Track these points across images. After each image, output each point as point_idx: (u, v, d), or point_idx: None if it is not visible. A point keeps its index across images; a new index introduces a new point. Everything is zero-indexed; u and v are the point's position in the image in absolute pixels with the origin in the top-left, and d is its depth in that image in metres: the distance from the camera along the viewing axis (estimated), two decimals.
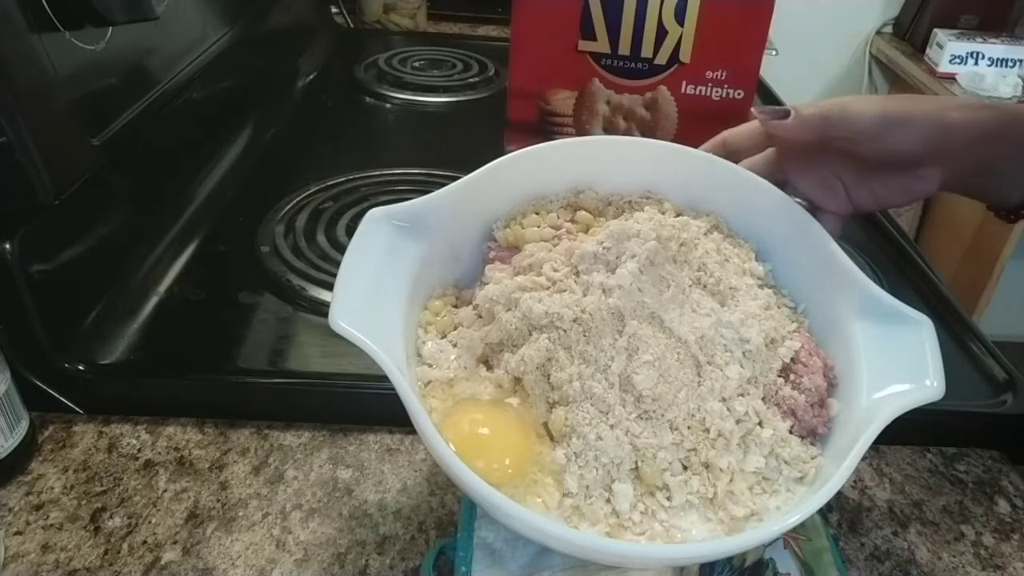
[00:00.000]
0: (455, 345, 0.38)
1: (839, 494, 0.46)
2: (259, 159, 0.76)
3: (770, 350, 0.38)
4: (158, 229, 0.60)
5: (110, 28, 0.53)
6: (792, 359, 0.38)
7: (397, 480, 0.45)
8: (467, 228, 0.42)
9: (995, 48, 1.67)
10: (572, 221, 0.42)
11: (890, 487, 0.47)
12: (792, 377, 0.37)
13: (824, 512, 0.42)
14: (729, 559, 0.36)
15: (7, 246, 0.43)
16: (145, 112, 0.58)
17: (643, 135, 0.72)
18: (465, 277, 0.42)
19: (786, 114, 0.41)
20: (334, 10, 1.18)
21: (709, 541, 0.33)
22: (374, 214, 0.37)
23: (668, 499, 0.33)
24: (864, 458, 0.48)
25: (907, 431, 0.50)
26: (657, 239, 0.38)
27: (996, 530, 0.45)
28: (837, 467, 0.32)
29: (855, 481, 0.47)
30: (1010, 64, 1.67)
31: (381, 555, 0.40)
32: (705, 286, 0.39)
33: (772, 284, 0.42)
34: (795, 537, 0.37)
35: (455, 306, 0.41)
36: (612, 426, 0.34)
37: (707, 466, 0.34)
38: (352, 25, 1.19)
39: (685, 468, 0.34)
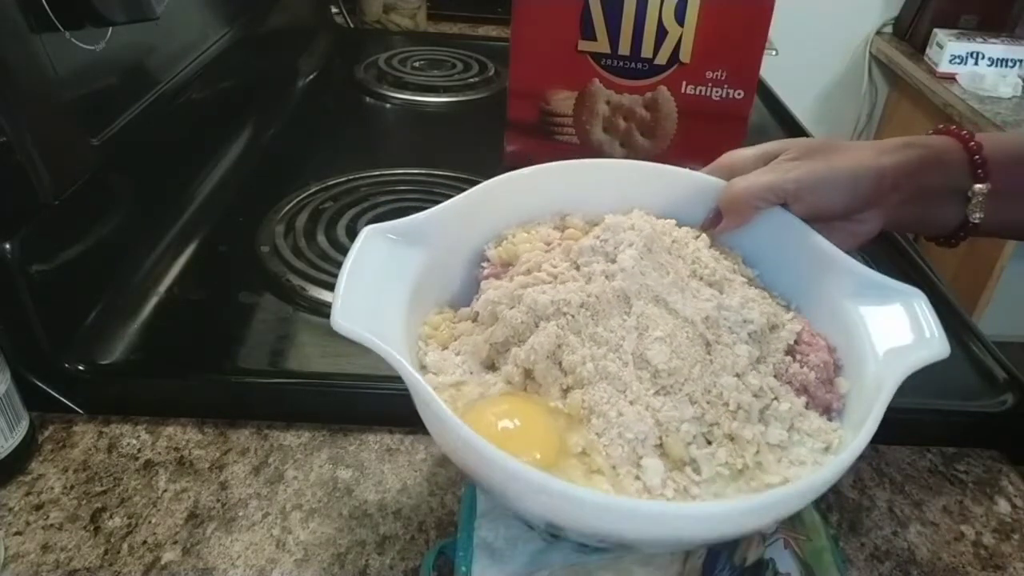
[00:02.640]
0: (458, 354, 0.38)
1: (839, 494, 0.46)
2: (259, 159, 0.76)
3: (773, 334, 0.38)
4: (158, 229, 0.60)
5: (110, 28, 0.53)
6: (795, 341, 0.38)
7: (397, 480, 0.45)
8: (456, 251, 0.42)
9: (995, 48, 1.67)
10: (562, 235, 0.43)
11: (890, 487, 0.47)
12: (799, 357, 0.38)
13: (824, 512, 0.42)
14: (730, 558, 0.36)
15: (7, 246, 0.43)
16: (145, 112, 0.58)
17: (643, 135, 0.72)
18: (457, 301, 0.42)
19: (716, 219, 0.44)
20: (334, 10, 1.18)
21: (759, 495, 0.32)
22: (371, 229, 0.38)
23: (697, 472, 0.33)
24: (864, 458, 0.48)
25: (907, 431, 0.50)
26: (652, 230, 0.39)
27: (996, 530, 0.45)
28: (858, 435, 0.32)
29: (855, 481, 0.47)
30: (1010, 64, 1.67)
31: (381, 555, 0.41)
32: (701, 277, 0.40)
33: (761, 287, 0.42)
34: (795, 537, 0.37)
35: (453, 322, 0.41)
36: (632, 402, 0.34)
37: (732, 438, 0.34)
38: (352, 25, 1.19)
39: (709, 443, 0.34)
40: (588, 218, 0.44)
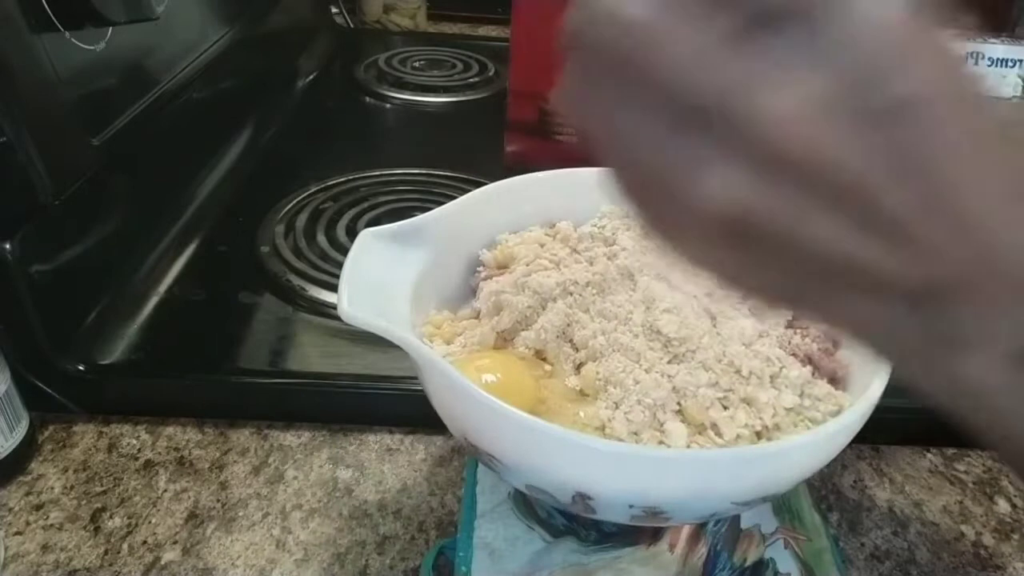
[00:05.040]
0: (464, 347, 0.38)
1: (839, 494, 0.46)
2: (259, 159, 0.76)
3: (772, 310, 0.39)
4: (158, 229, 0.60)
5: (110, 28, 0.53)
6: (793, 317, 0.39)
7: (397, 480, 0.45)
8: (450, 257, 0.42)
9: (995, 48, 1.67)
10: (555, 238, 0.43)
11: (890, 487, 0.47)
12: (799, 331, 0.38)
13: (824, 512, 0.42)
14: (730, 558, 0.36)
15: (7, 246, 0.43)
16: (145, 112, 0.58)
17: None
18: (454, 307, 0.42)
19: None
20: (334, 10, 1.18)
21: (803, 434, 0.32)
22: (368, 231, 0.38)
23: (719, 435, 0.33)
24: (864, 458, 0.48)
25: (907, 431, 0.50)
26: None
27: (996, 530, 0.45)
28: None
29: (855, 481, 0.47)
30: (1010, 64, 1.67)
31: (381, 555, 0.41)
32: None
33: None
34: (795, 537, 0.37)
35: (454, 321, 0.41)
36: (647, 370, 0.34)
37: (748, 402, 0.34)
38: (352, 25, 1.19)
39: (726, 408, 0.34)
40: (577, 226, 0.44)
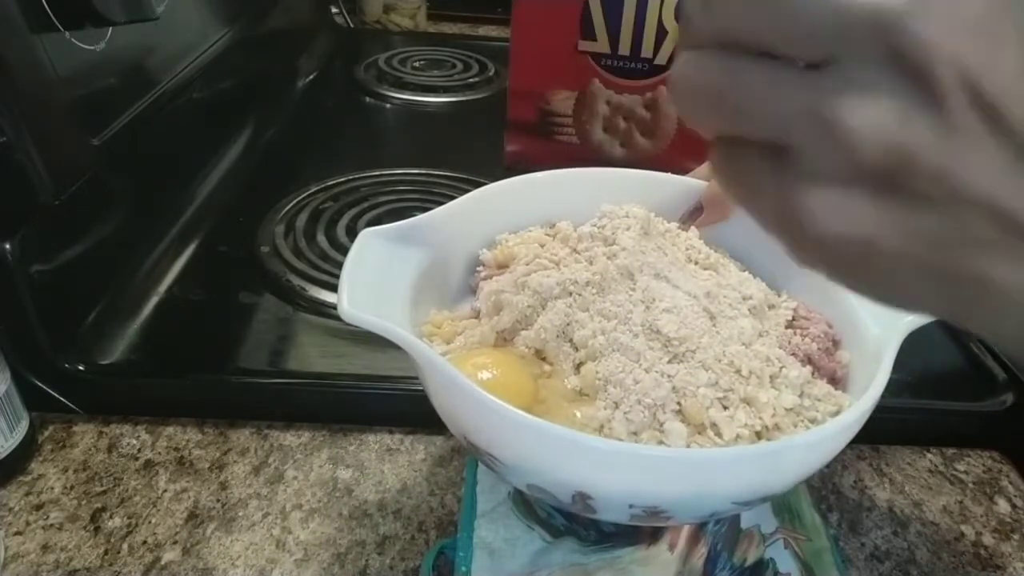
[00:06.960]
0: (464, 346, 0.38)
1: (839, 494, 0.46)
2: (259, 159, 0.76)
3: (771, 311, 0.39)
4: (158, 229, 0.60)
5: (110, 28, 0.53)
6: (792, 317, 0.39)
7: (397, 480, 0.45)
8: (450, 257, 0.42)
9: None
10: (555, 237, 0.43)
11: (890, 487, 0.47)
12: (799, 331, 0.38)
13: (824, 512, 0.42)
14: (730, 558, 0.36)
15: (7, 246, 0.43)
16: (145, 112, 0.58)
17: (643, 135, 0.72)
18: (454, 307, 0.42)
19: (696, 213, 0.44)
20: (334, 10, 1.18)
21: (803, 434, 0.32)
22: (368, 231, 0.38)
23: (719, 435, 0.33)
24: (864, 458, 0.48)
25: (907, 431, 0.50)
26: (647, 215, 0.40)
27: (996, 530, 0.45)
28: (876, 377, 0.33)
29: (855, 481, 0.47)
30: None
31: (381, 555, 0.41)
32: (696, 262, 0.41)
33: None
34: (795, 537, 0.37)
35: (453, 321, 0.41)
36: (647, 370, 0.34)
37: (748, 402, 0.34)
38: (352, 25, 1.19)
39: (726, 408, 0.34)
40: (577, 226, 0.44)
